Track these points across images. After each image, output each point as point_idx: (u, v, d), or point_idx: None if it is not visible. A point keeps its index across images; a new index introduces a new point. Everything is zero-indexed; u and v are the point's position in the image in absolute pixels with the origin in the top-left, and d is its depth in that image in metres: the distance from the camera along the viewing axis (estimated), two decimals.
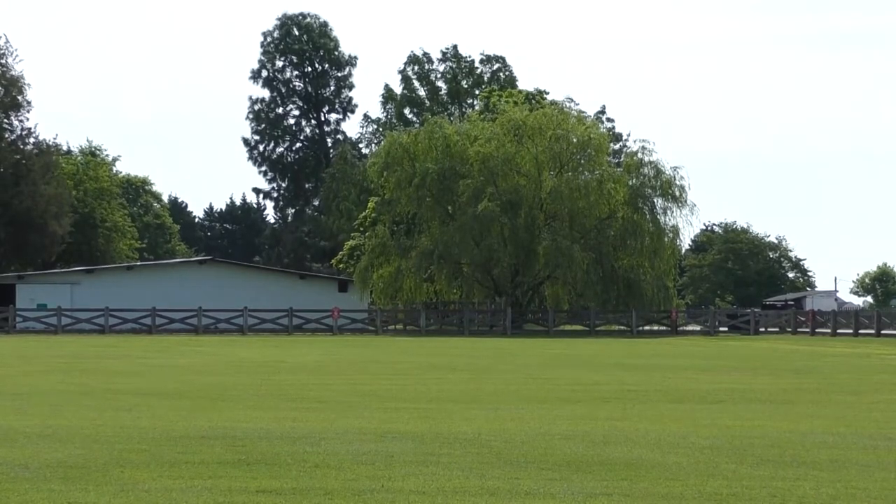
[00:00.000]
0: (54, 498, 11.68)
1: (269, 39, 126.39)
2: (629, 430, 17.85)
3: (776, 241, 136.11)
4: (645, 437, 16.87)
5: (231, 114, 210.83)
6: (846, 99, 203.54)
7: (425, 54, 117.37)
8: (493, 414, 20.42)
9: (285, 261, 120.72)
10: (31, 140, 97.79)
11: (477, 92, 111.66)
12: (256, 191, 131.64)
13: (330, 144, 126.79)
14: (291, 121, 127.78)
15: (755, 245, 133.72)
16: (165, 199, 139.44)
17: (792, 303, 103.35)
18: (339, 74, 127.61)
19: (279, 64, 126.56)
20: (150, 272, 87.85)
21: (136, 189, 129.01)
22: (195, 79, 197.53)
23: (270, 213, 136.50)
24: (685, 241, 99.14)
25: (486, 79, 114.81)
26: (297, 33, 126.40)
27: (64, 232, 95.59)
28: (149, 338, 68.42)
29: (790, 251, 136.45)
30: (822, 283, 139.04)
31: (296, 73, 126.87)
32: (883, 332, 70.57)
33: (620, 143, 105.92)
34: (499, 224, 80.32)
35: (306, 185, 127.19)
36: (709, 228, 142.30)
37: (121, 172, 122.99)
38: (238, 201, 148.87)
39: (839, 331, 73.51)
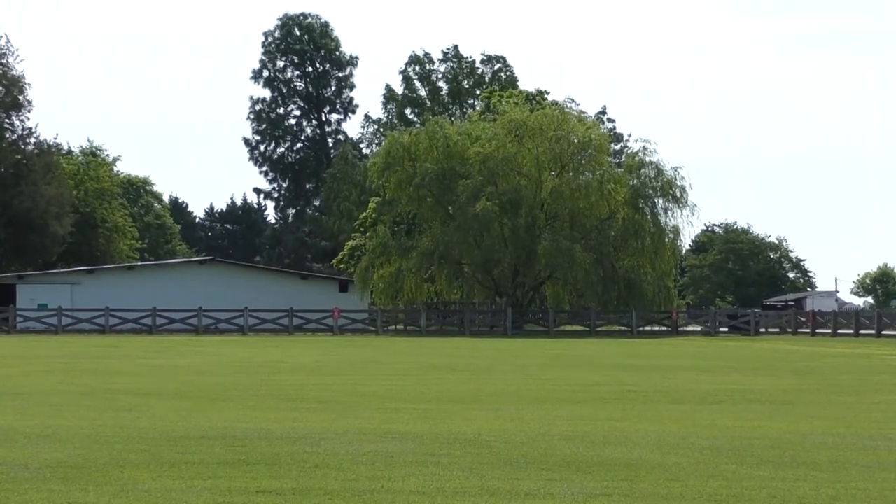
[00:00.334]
0: (54, 498, 11.68)
1: (270, 39, 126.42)
2: (629, 430, 17.85)
3: (777, 242, 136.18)
4: (645, 437, 16.87)
5: (232, 114, 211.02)
6: (846, 99, 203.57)
7: (426, 54, 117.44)
8: (493, 414, 20.42)
9: (286, 261, 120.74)
10: (32, 140, 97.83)
11: (478, 92, 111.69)
12: (257, 191, 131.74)
13: (331, 145, 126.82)
14: (292, 121, 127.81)
15: (756, 245, 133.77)
16: (166, 199, 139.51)
17: (792, 303, 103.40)
18: (340, 74, 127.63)
19: (280, 64, 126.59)
20: (150, 272, 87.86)
21: (137, 189, 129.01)
22: (196, 79, 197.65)
23: (271, 214, 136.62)
24: (686, 242, 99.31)
25: (487, 79, 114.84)
26: (298, 33, 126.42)
27: (64, 232, 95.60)
28: (149, 338, 68.43)
29: (791, 252, 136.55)
30: (822, 284, 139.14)
31: (297, 73, 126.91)
32: (883, 332, 70.56)
33: (621, 144, 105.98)
34: (499, 224, 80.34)
35: (307, 186, 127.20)
36: (709, 229, 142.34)
37: (121, 172, 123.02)
38: (239, 201, 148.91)
39: (840, 331, 73.51)
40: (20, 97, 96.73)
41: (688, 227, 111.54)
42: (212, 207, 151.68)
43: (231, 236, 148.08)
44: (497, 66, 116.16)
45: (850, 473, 13.62)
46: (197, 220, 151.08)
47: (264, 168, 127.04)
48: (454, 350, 51.49)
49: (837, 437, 17.21)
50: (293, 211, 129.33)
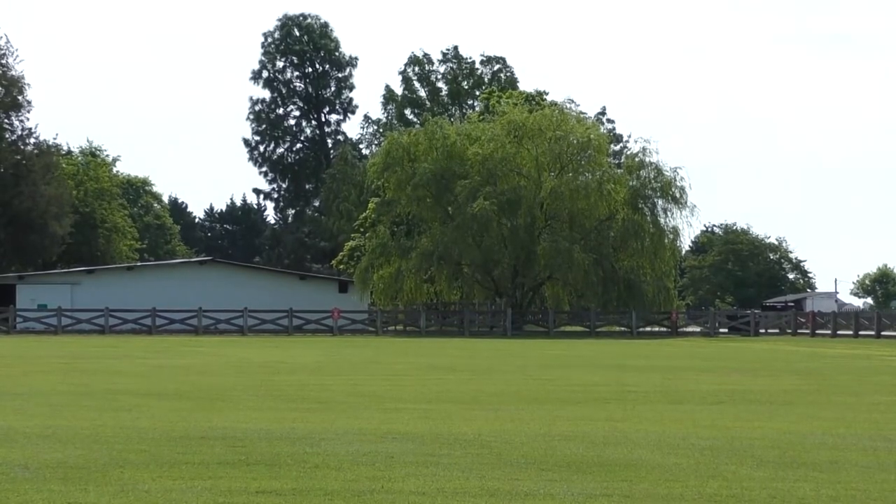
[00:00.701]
0: (54, 498, 11.67)
1: (269, 40, 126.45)
2: (629, 431, 17.85)
3: (776, 243, 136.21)
4: (645, 438, 16.87)
5: (231, 114, 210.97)
6: (846, 100, 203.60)
7: (426, 55, 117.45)
8: (493, 415, 20.42)
9: (285, 261, 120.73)
10: (32, 140, 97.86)
11: (477, 93, 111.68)
12: (257, 191, 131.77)
13: (330, 145, 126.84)
14: (292, 121, 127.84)
15: (755, 246, 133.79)
16: (166, 199, 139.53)
17: (792, 304, 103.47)
18: (340, 75, 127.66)
19: (280, 64, 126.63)
20: (150, 273, 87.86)
21: (137, 189, 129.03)
22: (196, 79, 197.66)
23: (271, 214, 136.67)
24: (685, 243, 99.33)
25: (486, 80, 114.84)
26: (297, 34, 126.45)
27: (64, 232, 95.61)
28: (149, 338, 68.42)
29: (790, 252, 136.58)
30: (822, 285, 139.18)
31: (296, 73, 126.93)
32: (883, 333, 70.56)
33: (621, 145, 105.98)
34: (498, 225, 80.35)
35: (307, 186, 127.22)
36: (709, 230, 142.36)
37: (121, 173, 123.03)
38: (238, 202, 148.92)
39: (839, 332, 73.52)
40: (20, 97, 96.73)
41: (687, 228, 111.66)
42: (211, 208, 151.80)
43: (231, 237, 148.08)
44: (497, 67, 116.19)
45: (850, 474, 13.62)
46: (196, 220, 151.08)
47: (264, 168, 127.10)
48: (454, 350, 51.49)
49: (837, 438, 17.21)
50: (293, 211, 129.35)
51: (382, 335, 75.81)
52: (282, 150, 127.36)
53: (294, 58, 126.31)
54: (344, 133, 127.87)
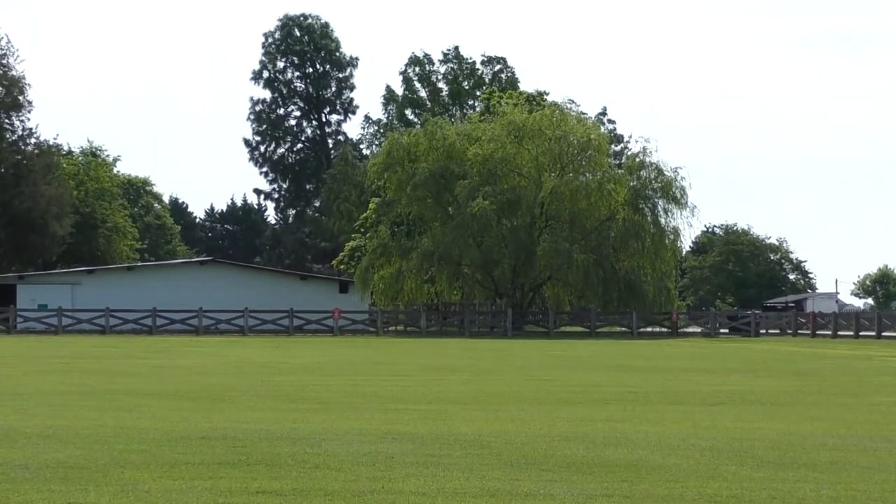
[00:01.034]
0: (54, 498, 11.67)
1: (270, 40, 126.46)
2: (629, 431, 17.85)
3: (777, 243, 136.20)
4: (645, 438, 16.87)
5: (232, 114, 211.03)
6: (847, 101, 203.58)
7: (426, 55, 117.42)
8: (493, 415, 20.42)
9: (286, 262, 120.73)
10: (32, 140, 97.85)
11: (478, 93, 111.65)
12: (257, 192, 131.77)
13: (331, 145, 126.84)
14: (292, 122, 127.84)
15: (756, 247, 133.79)
16: (166, 199, 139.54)
17: (793, 305, 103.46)
18: (341, 75, 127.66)
19: (280, 65, 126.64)
20: (150, 273, 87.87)
21: (137, 190, 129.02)
22: (196, 79, 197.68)
23: (271, 214, 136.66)
24: (686, 243, 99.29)
25: (487, 80, 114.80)
26: (298, 34, 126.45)
27: (65, 232, 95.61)
28: (149, 338, 68.43)
29: (791, 253, 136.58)
30: (822, 285, 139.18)
31: (297, 73, 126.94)
32: (884, 334, 70.52)
33: (622, 145, 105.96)
34: (498, 225, 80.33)
35: (307, 186, 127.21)
36: (709, 230, 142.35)
37: (121, 173, 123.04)
38: (239, 202, 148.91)
39: (840, 333, 73.49)
40: (20, 97, 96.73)
41: (688, 228, 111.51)
42: (212, 208, 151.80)
43: (231, 237, 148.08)
44: (497, 67, 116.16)
45: (851, 475, 13.62)
46: (197, 220, 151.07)
47: (264, 169, 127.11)
48: (454, 351, 51.50)
49: (838, 439, 17.21)
50: (293, 212, 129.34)
51: (383, 335, 75.82)
52: (282, 150, 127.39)
53: (295, 58, 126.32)
54: (344, 133, 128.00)
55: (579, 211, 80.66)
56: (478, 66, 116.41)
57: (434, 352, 50.37)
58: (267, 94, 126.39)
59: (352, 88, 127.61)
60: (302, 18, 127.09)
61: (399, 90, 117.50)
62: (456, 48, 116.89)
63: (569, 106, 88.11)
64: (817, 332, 75.02)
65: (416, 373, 34.36)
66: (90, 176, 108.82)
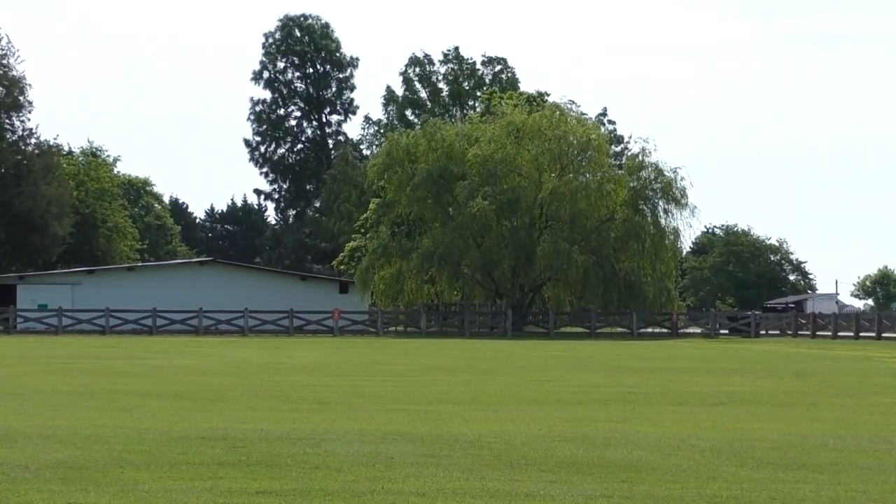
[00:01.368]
0: (54, 498, 11.67)
1: (270, 40, 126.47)
2: (629, 432, 17.85)
3: (777, 244, 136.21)
4: (645, 439, 16.87)
5: (232, 115, 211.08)
6: (847, 101, 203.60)
7: (426, 56, 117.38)
8: (493, 416, 20.42)
9: (286, 262, 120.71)
10: (33, 140, 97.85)
11: (479, 94, 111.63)
12: (257, 192, 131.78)
13: (331, 146, 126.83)
14: (293, 122, 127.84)
15: (756, 247, 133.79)
16: (166, 199, 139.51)
17: (793, 305, 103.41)
18: (341, 76, 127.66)
19: (280, 65, 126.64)
20: (151, 273, 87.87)
21: (137, 190, 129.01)
22: (196, 80, 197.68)
23: (271, 215, 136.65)
24: (686, 243, 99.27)
25: (487, 80, 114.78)
26: (298, 34, 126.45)
27: (65, 232, 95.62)
28: (149, 339, 68.44)
29: (791, 254, 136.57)
30: (822, 286, 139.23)
31: (297, 74, 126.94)
32: (884, 334, 70.52)
33: (622, 146, 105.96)
34: (498, 225, 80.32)
35: (307, 187, 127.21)
36: (710, 231, 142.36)
37: (122, 173, 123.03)
38: (239, 202, 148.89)
39: (840, 333, 73.48)
40: (21, 98, 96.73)
41: (688, 229, 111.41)
42: (212, 208, 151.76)
43: (231, 237, 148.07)
44: (498, 68, 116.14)
45: (851, 476, 13.62)
46: (197, 220, 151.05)
47: (265, 169, 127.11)
48: (454, 351, 51.50)
49: (838, 440, 17.21)
50: (293, 212, 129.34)
51: (383, 336, 75.82)
52: (282, 150, 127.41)
53: (295, 58, 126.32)
54: (345, 134, 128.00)
55: (579, 211, 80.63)
56: (478, 66, 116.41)
57: (434, 352, 50.38)
58: (267, 95, 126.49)
59: (352, 89, 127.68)
60: (302, 19, 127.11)
61: (399, 91, 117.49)
62: (456, 48, 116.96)
63: (569, 106, 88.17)
64: (817, 333, 75.02)
65: (416, 373, 34.36)
66: (90, 176, 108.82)
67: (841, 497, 12.24)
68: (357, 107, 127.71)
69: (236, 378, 31.14)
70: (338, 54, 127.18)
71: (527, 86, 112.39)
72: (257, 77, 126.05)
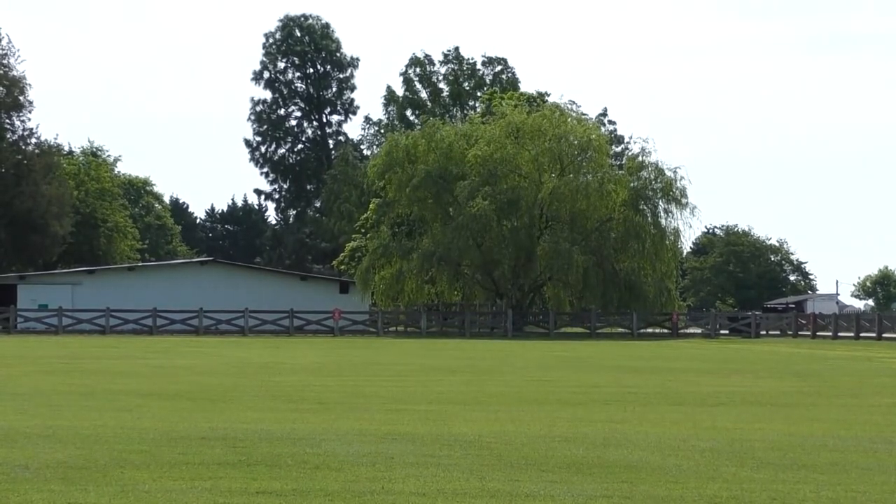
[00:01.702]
0: (54, 498, 11.67)
1: (270, 41, 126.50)
2: (629, 432, 17.85)
3: (777, 244, 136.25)
4: (645, 439, 16.87)
5: (233, 115, 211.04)
6: (848, 102, 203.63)
7: (427, 56, 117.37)
8: (493, 416, 20.42)
9: (286, 262, 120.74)
10: (33, 140, 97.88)
11: (479, 94, 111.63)
12: (258, 192, 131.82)
13: (331, 146, 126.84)
14: (293, 122, 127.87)
15: (756, 248, 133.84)
16: (167, 199, 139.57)
17: (793, 306, 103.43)
18: (341, 76, 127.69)
19: (281, 65, 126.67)
20: (151, 273, 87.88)
21: (138, 190, 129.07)
22: (197, 80, 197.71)
23: (272, 215, 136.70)
24: (686, 244, 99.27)
25: (488, 81, 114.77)
26: (298, 34, 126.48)
27: (65, 232, 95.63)
28: (150, 338, 68.44)
29: (791, 254, 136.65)
30: (823, 287, 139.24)
31: (297, 74, 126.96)
32: (884, 335, 70.51)
33: (622, 146, 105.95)
34: (498, 225, 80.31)
35: (308, 187, 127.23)
36: (710, 231, 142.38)
37: (122, 173, 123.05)
38: (239, 202, 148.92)
39: (840, 334, 73.47)
40: (21, 98, 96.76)
41: (688, 229, 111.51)
42: (212, 208, 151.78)
43: (232, 237, 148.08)
44: (498, 68, 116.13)
45: (851, 476, 13.62)
46: (197, 220, 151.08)
47: (265, 169, 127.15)
48: (455, 352, 51.50)
49: (838, 440, 17.21)
50: (294, 212, 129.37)
51: (383, 336, 75.82)
52: (283, 150, 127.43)
53: (295, 58, 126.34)
54: (345, 134, 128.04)
55: (579, 211, 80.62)
56: (478, 66, 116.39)
57: (434, 352, 50.37)
58: (268, 95, 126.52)
59: (352, 89, 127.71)
60: (302, 19, 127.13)
61: (400, 91, 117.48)
62: (456, 49, 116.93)
63: (569, 106, 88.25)
64: (818, 334, 75.01)
65: (416, 373, 34.36)
66: (90, 176, 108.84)
67: (841, 497, 12.23)
68: (357, 107, 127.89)
69: (236, 378, 31.14)
70: (338, 54, 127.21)
71: (527, 86, 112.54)
72: (258, 77, 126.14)
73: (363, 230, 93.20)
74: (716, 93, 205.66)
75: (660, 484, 12.86)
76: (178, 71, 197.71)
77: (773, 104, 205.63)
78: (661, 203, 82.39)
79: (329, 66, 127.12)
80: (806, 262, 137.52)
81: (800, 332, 76.94)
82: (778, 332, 79.75)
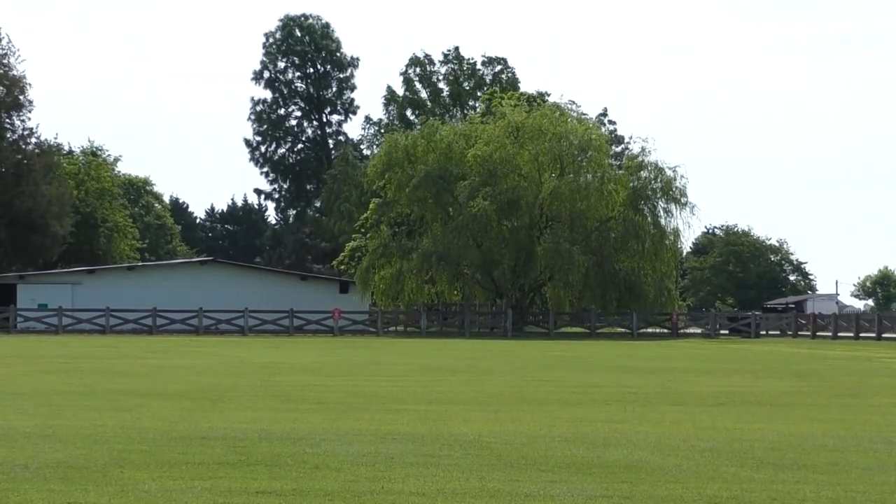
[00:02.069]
0: (54, 498, 11.67)
1: (271, 40, 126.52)
2: (629, 432, 17.84)
3: (777, 244, 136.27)
4: (645, 439, 16.86)
5: (233, 115, 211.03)
6: (848, 102, 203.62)
7: (427, 56, 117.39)
8: (493, 416, 20.41)
9: (286, 262, 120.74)
10: (33, 140, 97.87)
11: (479, 94, 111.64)
12: (258, 192, 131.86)
13: (331, 146, 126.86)
14: (293, 122, 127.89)
15: (756, 248, 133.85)
16: (167, 199, 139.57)
17: (793, 306, 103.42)
18: (341, 76, 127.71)
19: (281, 65, 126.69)
20: (151, 273, 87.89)
21: (138, 189, 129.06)
22: (197, 79, 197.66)
23: (272, 215, 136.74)
24: (686, 244, 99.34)
25: (487, 81, 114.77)
26: (299, 34, 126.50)
27: (65, 232, 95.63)
28: (149, 338, 68.43)
29: (791, 254, 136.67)
30: (823, 287, 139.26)
31: (297, 74, 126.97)
32: (884, 335, 70.53)
33: (622, 146, 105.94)
34: (498, 225, 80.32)
35: (308, 187, 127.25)
36: (710, 231, 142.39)
37: (122, 173, 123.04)
38: (239, 202, 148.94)
39: (840, 334, 73.48)
40: (21, 97, 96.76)
41: (688, 229, 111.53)
42: (212, 208, 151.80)
43: (231, 237, 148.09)
44: (498, 68, 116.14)
45: (851, 476, 13.62)
46: (197, 220, 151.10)
47: (265, 169, 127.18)
48: (454, 351, 51.50)
49: (838, 440, 17.20)
50: (294, 212, 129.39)
51: (383, 336, 75.82)
52: (283, 150, 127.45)
53: (295, 58, 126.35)
54: (345, 134, 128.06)
55: (579, 211, 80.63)
56: (478, 66, 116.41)
57: (434, 352, 50.37)
58: (268, 95, 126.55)
59: (352, 89, 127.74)
60: (302, 19, 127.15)
61: (400, 91, 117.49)
62: (456, 49, 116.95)
63: (569, 106, 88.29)
64: (817, 334, 75.02)
65: (416, 373, 34.35)
66: (90, 176, 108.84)
67: (841, 497, 12.23)
68: (357, 107, 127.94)
69: (236, 378, 31.14)
70: (338, 54, 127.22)
71: (527, 86, 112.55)
72: (258, 77, 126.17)
73: (363, 230, 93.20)
74: (716, 93, 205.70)
75: (660, 484, 12.86)
76: (178, 71, 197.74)
77: (773, 104, 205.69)
78: (660, 203, 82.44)
79: (329, 66, 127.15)
80: (806, 263, 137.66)
81: (799, 333, 76.94)
82: (778, 332, 79.76)
